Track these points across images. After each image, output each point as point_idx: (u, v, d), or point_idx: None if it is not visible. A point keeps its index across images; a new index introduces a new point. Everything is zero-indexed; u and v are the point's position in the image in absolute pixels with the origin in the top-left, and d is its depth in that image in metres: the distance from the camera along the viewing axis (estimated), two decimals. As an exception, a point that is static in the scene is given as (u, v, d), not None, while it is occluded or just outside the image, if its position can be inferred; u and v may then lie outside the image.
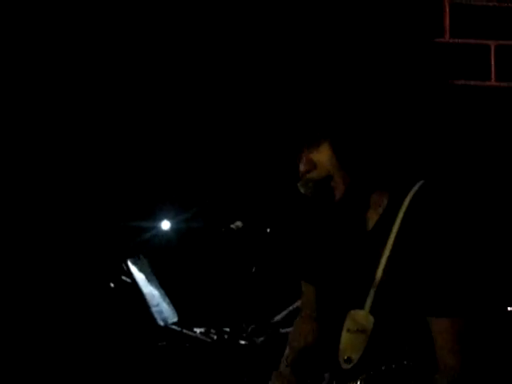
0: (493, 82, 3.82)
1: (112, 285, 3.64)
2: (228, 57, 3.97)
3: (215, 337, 3.54)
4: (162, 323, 3.60)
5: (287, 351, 2.29)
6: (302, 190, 1.99)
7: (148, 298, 3.60)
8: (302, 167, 1.95)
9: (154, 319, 3.57)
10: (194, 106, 3.98)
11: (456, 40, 3.81)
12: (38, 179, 3.90)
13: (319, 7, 3.77)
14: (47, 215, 3.88)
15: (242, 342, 3.44)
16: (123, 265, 3.63)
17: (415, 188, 1.95)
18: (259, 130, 3.73)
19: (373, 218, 2.03)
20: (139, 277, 3.66)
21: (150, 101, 3.99)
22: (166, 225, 3.83)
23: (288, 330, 2.82)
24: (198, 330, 3.62)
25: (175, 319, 3.66)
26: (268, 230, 3.17)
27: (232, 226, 3.09)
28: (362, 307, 2.00)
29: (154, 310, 3.59)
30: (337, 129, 1.92)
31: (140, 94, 4.00)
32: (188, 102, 3.98)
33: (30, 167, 3.90)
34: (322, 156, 1.93)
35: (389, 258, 1.96)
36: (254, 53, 3.92)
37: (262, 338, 3.48)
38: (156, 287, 3.73)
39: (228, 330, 3.49)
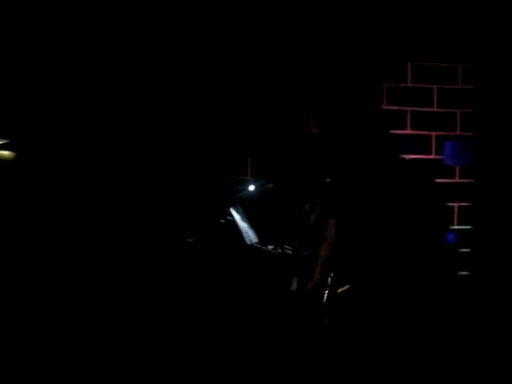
0: (408, 131, 4.81)
1: (222, 221, 4.40)
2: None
3: (280, 250, 4.29)
4: (248, 242, 4.34)
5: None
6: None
7: (241, 228, 4.36)
8: None
9: (244, 240, 4.32)
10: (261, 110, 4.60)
11: (390, 107, 4.77)
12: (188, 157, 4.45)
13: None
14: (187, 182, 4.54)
15: (293, 254, 4.06)
16: (228, 210, 4.39)
17: None
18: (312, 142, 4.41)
19: None
20: (237, 216, 4.41)
21: (229, 98, 4.55)
22: (251, 188, 4.47)
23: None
24: (269, 247, 4.36)
25: (256, 240, 4.41)
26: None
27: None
28: None
29: (244, 235, 4.34)
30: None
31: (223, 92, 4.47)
32: (254, 103, 4.60)
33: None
34: None
35: None
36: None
37: (305, 252, 4.02)
38: (246, 222, 4.47)
39: (287, 247, 4.25)
